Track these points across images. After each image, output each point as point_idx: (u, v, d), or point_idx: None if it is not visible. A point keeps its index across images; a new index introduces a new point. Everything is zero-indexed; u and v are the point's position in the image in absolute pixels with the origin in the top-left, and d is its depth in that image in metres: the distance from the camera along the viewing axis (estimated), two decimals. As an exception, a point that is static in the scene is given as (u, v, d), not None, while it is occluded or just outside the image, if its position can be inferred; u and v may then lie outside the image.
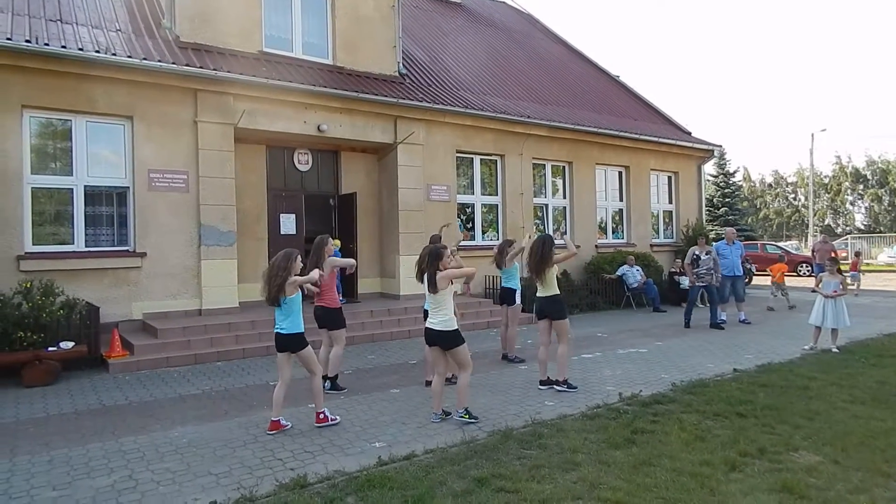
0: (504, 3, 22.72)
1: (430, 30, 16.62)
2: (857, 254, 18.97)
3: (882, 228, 45.29)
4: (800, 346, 8.66)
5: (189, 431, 5.11)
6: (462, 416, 5.30)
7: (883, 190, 48.22)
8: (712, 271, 10.81)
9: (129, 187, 9.24)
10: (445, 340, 5.31)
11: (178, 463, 4.42)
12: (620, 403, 5.86)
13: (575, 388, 6.39)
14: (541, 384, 6.51)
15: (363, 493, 3.83)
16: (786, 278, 14.54)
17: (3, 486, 4.04)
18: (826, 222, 51.50)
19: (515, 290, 8.03)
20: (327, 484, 3.99)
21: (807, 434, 4.93)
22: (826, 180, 51.97)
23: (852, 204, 52.09)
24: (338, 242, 11.34)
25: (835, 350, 8.24)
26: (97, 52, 8.63)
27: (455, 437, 4.92)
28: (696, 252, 10.96)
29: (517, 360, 7.93)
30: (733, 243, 11.60)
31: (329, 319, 6.46)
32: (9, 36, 8.11)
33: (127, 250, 9.17)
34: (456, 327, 5.35)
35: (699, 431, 4.98)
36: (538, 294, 6.60)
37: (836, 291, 8.47)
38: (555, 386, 6.42)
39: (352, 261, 7.01)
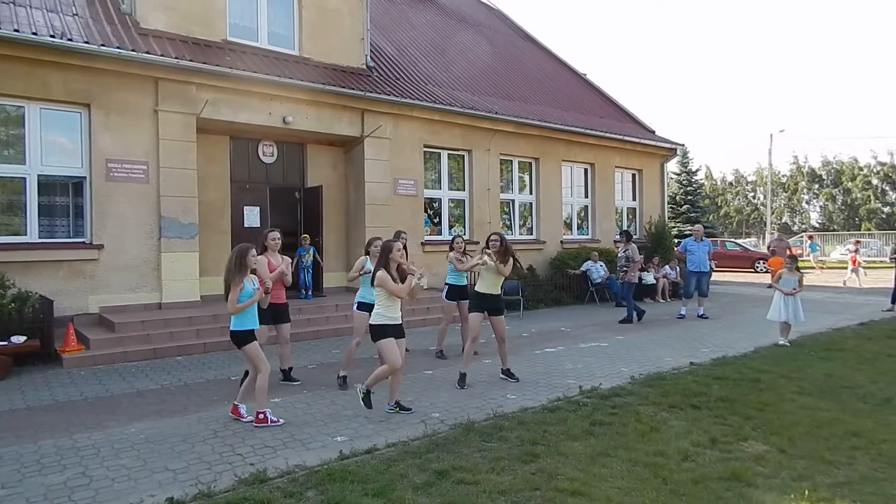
0: (473, -2, 22.72)
1: (400, 23, 16.53)
2: (856, 250, 19.34)
3: (836, 227, 47.04)
4: (754, 340, 8.95)
5: (146, 427, 5.02)
6: (392, 409, 5.40)
7: (837, 190, 50.03)
8: (625, 268, 11.04)
9: (85, 177, 8.97)
10: (372, 333, 5.37)
11: (134, 459, 4.35)
12: (580, 396, 5.98)
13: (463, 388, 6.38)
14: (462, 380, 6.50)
15: (323, 486, 3.84)
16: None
17: (-51, 484, 3.91)
18: (783, 220, 53.20)
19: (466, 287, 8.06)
20: (287, 478, 3.98)
21: (756, 424, 5.13)
22: (784, 180, 53.62)
23: (808, 203, 53.93)
24: (307, 236, 11.20)
25: (784, 343, 8.53)
26: (52, 36, 8.35)
27: (417, 430, 4.96)
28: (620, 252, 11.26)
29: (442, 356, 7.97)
30: (701, 240, 11.76)
31: (276, 314, 6.39)
32: (-44, 17, 7.78)
33: (83, 242, 8.91)
34: (379, 322, 5.30)
35: (655, 423, 5.13)
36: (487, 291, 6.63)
37: (795, 289, 8.62)
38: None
39: (282, 269, 6.35)
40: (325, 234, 11.85)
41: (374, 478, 3.95)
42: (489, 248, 6.61)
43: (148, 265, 9.23)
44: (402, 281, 5.34)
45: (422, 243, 12.54)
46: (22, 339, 7.06)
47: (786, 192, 53.31)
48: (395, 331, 5.38)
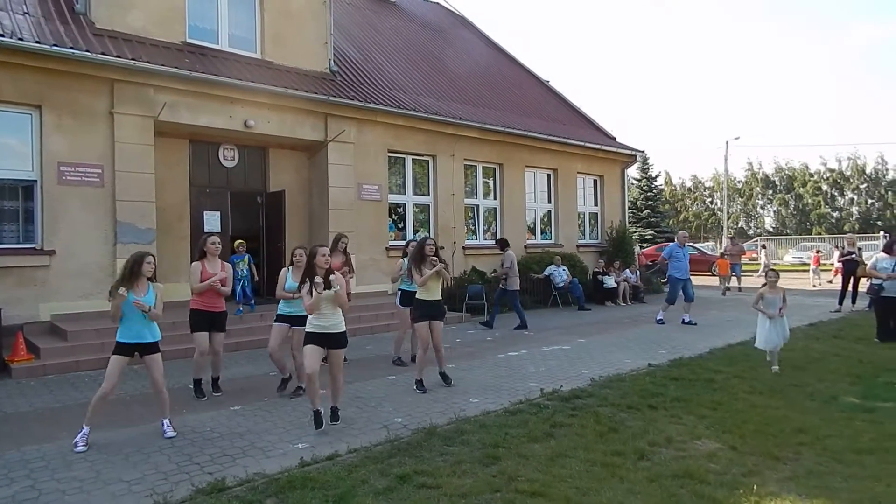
0: (437, 4, 22.85)
1: (364, 28, 16.51)
2: (818, 250, 20.05)
3: (788, 231, 48.78)
4: (710, 342, 9.20)
5: (100, 438, 4.87)
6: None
7: (789, 195, 51.88)
8: (504, 276, 10.95)
9: (36, 181, 8.69)
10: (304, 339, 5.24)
11: (86, 471, 4.23)
12: (542, 399, 6.06)
13: (424, 390, 6.38)
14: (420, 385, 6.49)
15: (283, 494, 3.81)
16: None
17: None
18: (739, 225, 54.86)
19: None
20: (246, 487, 3.94)
21: (710, 423, 5.29)
22: (740, 185, 55.35)
23: (762, 208, 55.77)
24: (242, 242, 10.36)
25: (776, 370, 7.18)
26: (1, 35, 8.07)
27: (380, 435, 4.96)
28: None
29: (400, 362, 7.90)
30: (684, 246, 11.60)
31: (212, 322, 6.26)
32: None
33: (33, 248, 8.62)
34: (308, 329, 5.17)
35: (613, 423, 5.24)
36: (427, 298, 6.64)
37: (781, 308, 7.31)
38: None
39: (218, 277, 6.16)
40: (287, 238, 11.72)
41: (335, 484, 3.94)
42: (428, 254, 6.55)
43: (103, 271, 8.96)
44: (329, 287, 5.11)
45: (386, 248, 12.52)
46: (-33, 348, 6.78)
47: (742, 197, 55.02)
48: (319, 338, 5.13)
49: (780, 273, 8.06)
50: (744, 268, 19.57)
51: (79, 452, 4.55)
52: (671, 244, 11.90)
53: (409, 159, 13.41)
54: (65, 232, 8.74)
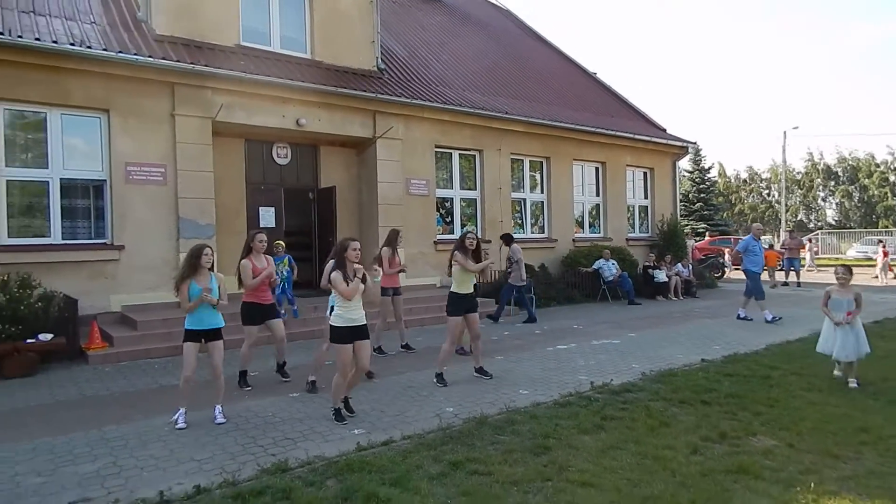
0: (484, -2, 22.83)
1: (410, 25, 16.68)
2: (881, 241, 19.28)
3: (852, 224, 46.54)
4: (766, 338, 8.96)
5: (171, 420, 5.19)
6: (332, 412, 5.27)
7: (853, 186, 49.51)
8: (510, 270, 10.83)
9: (105, 180, 9.21)
10: (331, 335, 5.33)
11: (161, 450, 4.53)
12: (592, 392, 6.08)
13: (444, 383, 6.40)
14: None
15: (342, 476, 3.99)
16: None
17: (-14, 474, 4.11)
18: (798, 218, 52.71)
19: None
20: (308, 468, 4.14)
21: (765, 420, 5.20)
22: (799, 176, 53.13)
23: (824, 200, 53.38)
24: (280, 244, 10.04)
25: (853, 384, 6.23)
26: (72, 44, 8.59)
27: (432, 423, 5.10)
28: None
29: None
30: (759, 239, 11.15)
31: (264, 314, 6.52)
32: (-18, 27, 8.04)
33: (104, 243, 9.15)
34: (333, 324, 5.23)
35: (665, 418, 5.22)
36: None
37: (849, 313, 6.30)
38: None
39: (268, 272, 6.48)
40: (338, 234, 12.00)
41: (391, 468, 4.09)
42: (469, 247, 6.61)
43: (167, 265, 9.42)
44: (364, 282, 5.21)
45: (434, 242, 12.68)
46: (48, 336, 7.29)
47: (801, 189, 52.82)
48: (354, 333, 5.21)
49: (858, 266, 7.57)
50: (802, 262, 18.87)
51: (179, 428, 4.96)
52: (746, 237, 11.41)
53: (455, 154, 13.51)
54: (132, 228, 9.24)
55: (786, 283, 17.44)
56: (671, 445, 4.58)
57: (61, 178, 8.93)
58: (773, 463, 4.30)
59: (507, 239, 11.32)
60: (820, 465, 4.27)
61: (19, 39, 8.17)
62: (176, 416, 5.09)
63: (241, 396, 5.97)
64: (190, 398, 5.25)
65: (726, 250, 22.50)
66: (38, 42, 8.31)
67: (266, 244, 6.66)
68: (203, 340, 5.27)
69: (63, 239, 8.93)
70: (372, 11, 12.34)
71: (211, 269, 5.34)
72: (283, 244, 9.98)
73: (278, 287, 9.09)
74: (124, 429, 4.99)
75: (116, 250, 9.10)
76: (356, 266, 5.28)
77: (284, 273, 9.48)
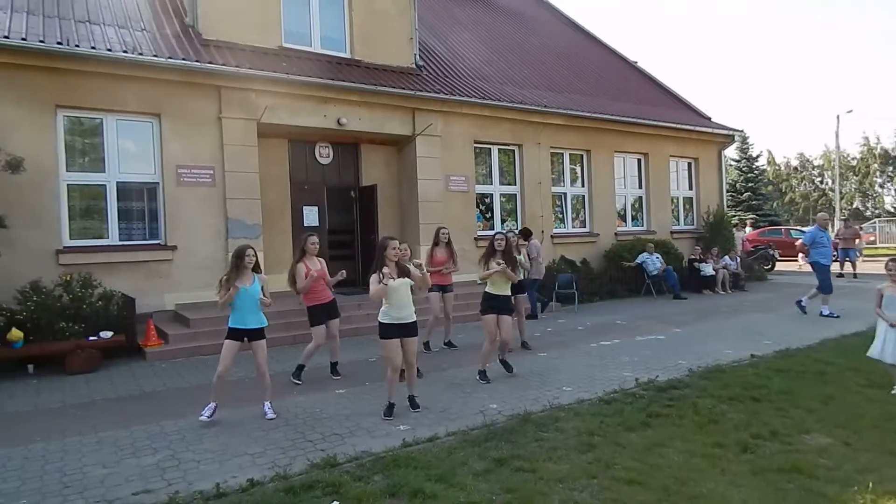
0: (521, -10, 22.61)
1: (446, 21, 16.68)
2: None
3: (912, 211, 44.33)
4: (820, 332, 8.66)
5: (227, 415, 5.39)
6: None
7: (913, 172, 47.14)
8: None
9: (158, 183, 9.57)
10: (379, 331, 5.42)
11: (215, 444, 4.71)
12: (637, 388, 6.01)
13: (487, 380, 6.44)
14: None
15: (389, 472, 4.07)
16: None
17: (58, 464, 4.37)
18: (854, 206, 50.52)
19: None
20: (355, 463, 4.24)
21: (820, 417, 5.05)
22: (854, 163, 50.88)
23: (882, 186, 51.02)
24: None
25: None
26: (125, 52, 8.92)
27: (476, 420, 5.14)
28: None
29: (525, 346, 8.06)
30: (825, 229, 10.66)
31: (328, 311, 6.75)
32: (41, 38, 8.44)
33: (158, 244, 9.52)
34: (380, 320, 5.36)
35: (713, 415, 5.13)
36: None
37: None
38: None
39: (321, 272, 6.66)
40: (380, 231, 12.16)
41: (437, 464, 4.15)
42: (497, 248, 6.66)
43: (217, 264, 9.70)
44: (405, 276, 5.34)
45: (474, 238, 12.69)
46: (109, 334, 7.66)
47: (856, 175, 50.61)
48: (400, 330, 5.33)
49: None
50: (865, 251, 18.03)
51: (202, 420, 5.12)
52: (811, 229, 10.77)
53: (494, 149, 13.48)
54: (183, 229, 9.58)
55: (841, 275, 16.77)
56: (720, 443, 4.50)
57: (117, 182, 9.31)
58: (828, 461, 4.18)
59: (526, 234, 11.16)
60: (879, 463, 4.14)
61: (76, 49, 8.55)
62: (204, 409, 5.22)
63: (290, 392, 6.15)
64: (223, 395, 5.42)
65: (797, 243, 21.63)
66: (93, 50, 8.67)
67: (318, 246, 6.82)
68: (246, 339, 5.41)
69: (120, 240, 9.32)
70: (409, 9, 12.40)
71: (255, 268, 5.48)
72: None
73: None
74: (181, 423, 5.21)
75: (170, 250, 9.45)
76: (402, 263, 5.36)
77: None
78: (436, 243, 8.44)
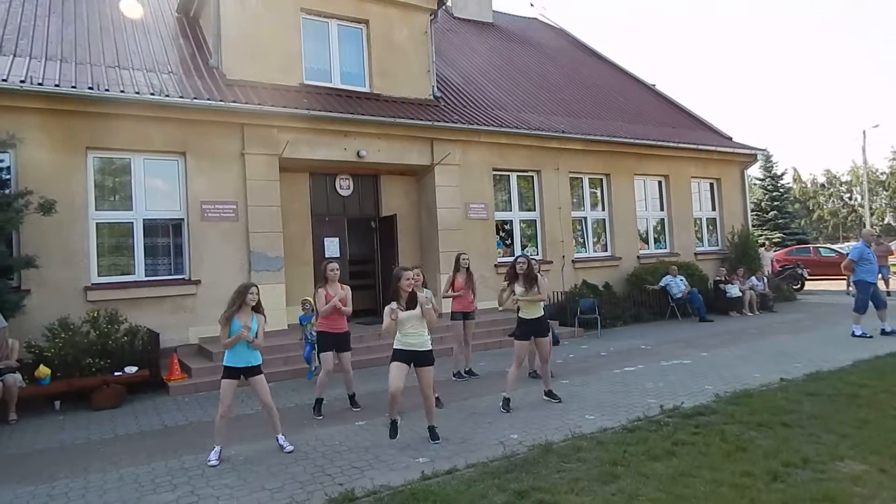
0: (536, 19, 22.97)
1: (463, 51, 16.98)
2: None
3: (948, 226, 43.00)
4: (853, 353, 8.39)
5: (245, 449, 5.41)
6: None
7: (946, 185, 45.91)
8: None
9: (183, 219, 9.80)
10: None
11: (235, 479, 4.72)
12: (662, 416, 5.87)
13: (508, 410, 6.33)
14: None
15: (408, 505, 4.02)
16: None
17: (79, 501, 4.41)
18: (886, 221, 49.26)
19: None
20: (373, 498, 4.20)
21: (854, 443, 4.86)
22: (883, 177, 49.79)
23: (914, 201, 49.72)
24: (308, 300, 8.96)
25: None
26: (152, 94, 9.26)
27: (496, 451, 5.06)
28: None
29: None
30: (871, 245, 10.33)
31: (338, 343, 6.76)
32: (73, 84, 8.81)
33: (183, 279, 9.70)
34: (394, 346, 5.43)
35: (741, 442, 4.97)
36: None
37: None
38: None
39: (339, 298, 6.70)
40: (400, 260, 12.23)
41: (455, 497, 4.09)
42: (519, 272, 6.66)
43: (240, 297, 9.87)
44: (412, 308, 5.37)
45: (495, 265, 12.67)
46: (134, 369, 7.77)
47: (886, 190, 49.44)
48: (412, 358, 5.39)
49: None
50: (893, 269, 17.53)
51: (212, 466, 5.03)
52: (857, 245, 10.36)
53: (513, 176, 13.53)
54: (208, 263, 9.76)
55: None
56: (749, 472, 4.35)
57: (144, 219, 9.57)
58: (863, 490, 4.01)
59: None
60: (918, 493, 3.95)
61: (106, 93, 8.90)
62: (210, 455, 5.14)
63: (310, 425, 6.14)
64: (240, 431, 5.51)
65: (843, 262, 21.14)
66: (122, 94, 9.01)
67: (338, 272, 6.90)
68: (242, 377, 5.39)
69: (146, 276, 9.53)
70: (426, 42, 12.67)
71: (256, 308, 5.44)
72: (312, 301, 8.16)
73: (307, 345, 8.57)
74: (201, 458, 5.23)
75: (194, 285, 9.62)
76: (416, 292, 5.41)
77: (313, 334, 8.05)
78: (457, 269, 8.48)
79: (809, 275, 20.59)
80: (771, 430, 5.28)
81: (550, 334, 6.93)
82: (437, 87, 13.05)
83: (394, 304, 5.33)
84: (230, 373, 5.36)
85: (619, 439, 5.20)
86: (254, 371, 5.40)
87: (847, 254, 16.85)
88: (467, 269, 8.44)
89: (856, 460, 4.51)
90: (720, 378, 7.42)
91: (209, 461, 5.11)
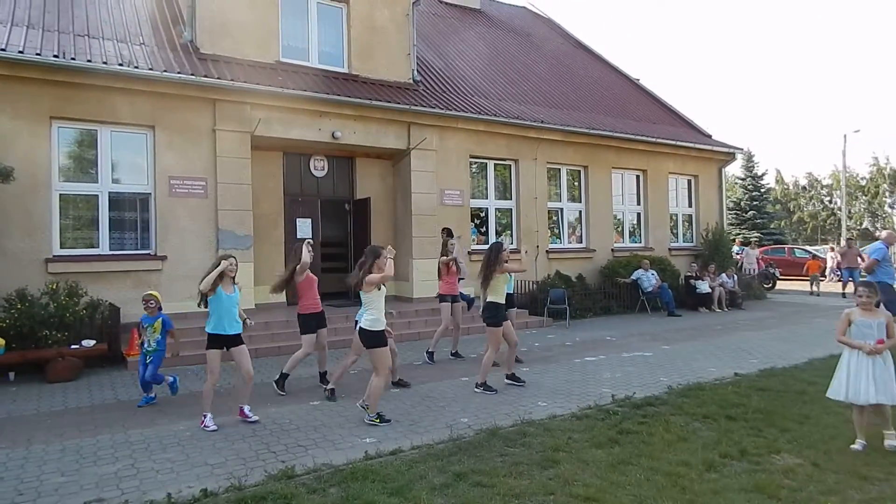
0: (524, 8, 22.84)
1: (448, 36, 16.85)
2: None
3: (922, 232, 43.76)
4: (809, 352, 8.55)
5: (194, 425, 5.38)
6: (372, 421, 5.39)
7: (923, 192, 46.71)
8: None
9: (150, 193, 9.66)
10: (366, 339, 5.48)
11: (178, 454, 4.70)
12: (612, 405, 5.95)
13: (494, 391, 6.45)
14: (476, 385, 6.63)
15: (346, 484, 4.04)
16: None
17: (18, 471, 4.37)
18: (863, 226, 50.06)
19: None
20: (313, 475, 4.21)
21: (793, 437, 4.96)
22: (863, 182, 50.53)
23: (891, 207, 50.54)
24: (153, 295, 6.86)
25: (890, 443, 4.73)
26: (121, 65, 9.07)
27: (443, 434, 5.10)
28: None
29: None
30: (891, 245, 9.82)
31: (318, 321, 6.83)
32: (38, 51, 8.60)
33: (148, 254, 9.59)
34: (372, 329, 5.44)
35: (684, 433, 5.06)
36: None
37: (881, 341, 4.65)
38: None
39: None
40: (372, 243, 12.16)
41: (395, 478, 4.12)
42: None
43: (206, 275, 9.78)
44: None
45: (468, 252, 12.67)
46: (91, 343, 7.69)
47: (865, 195, 50.20)
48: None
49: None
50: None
51: (211, 431, 5.20)
52: (878, 245, 9.69)
53: (490, 164, 13.51)
54: (174, 239, 9.65)
55: (843, 295, 16.59)
56: (686, 462, 4.43)
57: (110, 192, 9.41)
58: (793, 482, 4.10)
59: (449, 233, 10.70)
60: (844, 485, 4.05)
61: (72, 61, 8.69)
62: (206, 421, 5.29)
63: (263, 402, 6.12)
64: (179, 412, 5.60)
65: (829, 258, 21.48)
66: (89, 63, 8.81)
67: (311, 251, 6.82)
68: (225, 348, 5.44)
69: (111, 250, 9.39)
70: (407, 25, 12.54)
71: (233, 280, 5.60)
72: (158, 296, 6.65)
73: (142, 356, 6.28)
74: (147, 432, 5.21)
75: (159, 260, 9.51)
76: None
77: (153, 344, 6.33)
78: (448, 253, 8.68)
79: (783, 275, 20.91)
80: (715, 422, 5.38)
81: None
82: (418, 71, 12.95)
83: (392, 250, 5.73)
84: (215, 342, 5.47)
85: (566, 426, 5.26)
86: (236, 340, 5.52)
87: (844, 254, 17.08)
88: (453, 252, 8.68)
89: (792, 454, 4.61)
90: (676, 371, 7.53)
91: (207, 427, 5.23)
